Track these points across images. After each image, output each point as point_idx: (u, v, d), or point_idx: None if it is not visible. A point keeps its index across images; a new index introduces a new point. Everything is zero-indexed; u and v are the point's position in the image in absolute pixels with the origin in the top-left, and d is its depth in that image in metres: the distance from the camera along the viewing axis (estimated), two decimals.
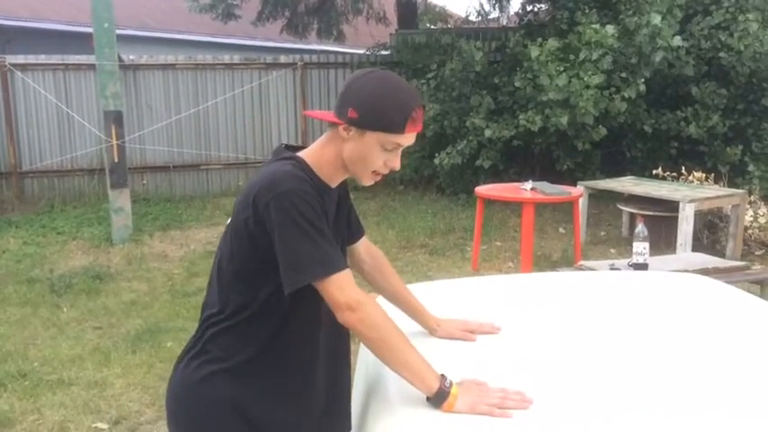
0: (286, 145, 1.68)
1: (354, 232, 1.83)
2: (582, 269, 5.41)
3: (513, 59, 8.41)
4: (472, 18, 11.97)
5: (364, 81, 1.57)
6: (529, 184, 5.95)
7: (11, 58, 8.67)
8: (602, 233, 7.62)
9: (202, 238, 7.46)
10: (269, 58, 9.79)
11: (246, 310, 1.57)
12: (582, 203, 6.68)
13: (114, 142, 7.23)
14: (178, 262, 6.75)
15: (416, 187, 9.63)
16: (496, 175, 8.45)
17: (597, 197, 7.86)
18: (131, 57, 9.07)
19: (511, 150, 8.63)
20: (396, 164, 1.59)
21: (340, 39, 12.83)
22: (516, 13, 9.60)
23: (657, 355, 1.56)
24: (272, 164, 1.59)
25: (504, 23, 11.05)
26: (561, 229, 7.72)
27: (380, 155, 1.56)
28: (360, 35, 12.66)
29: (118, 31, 7.32)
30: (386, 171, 1.60)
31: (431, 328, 1.81)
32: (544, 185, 6.00)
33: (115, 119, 7.26)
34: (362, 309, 1.46)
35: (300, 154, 1.62)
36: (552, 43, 7.41)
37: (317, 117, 1.68)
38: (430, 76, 8.66)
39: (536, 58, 7.39)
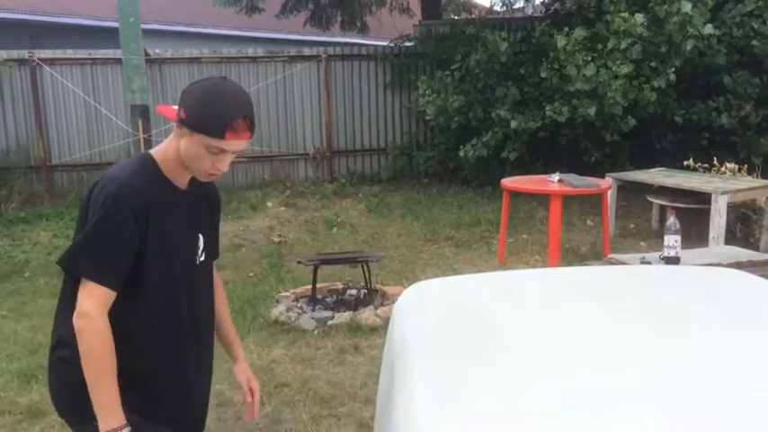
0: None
1: (211, 249, 1.96)
2: (612, 263, 5.34)
3: (539, 50, 8.29)
4: (497, 8, 11.84)
5: (198, 86, 1.69)
6: (556, 176, 5.87)
7: (39, 53, 8.78)
8: (632, 226, 7.50)
9: (228, 231, 7.49)
10: (293, 51, 9.77)
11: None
12: (610, 195, 6.58)
13: (141, 136, 7.27)
14: None
15: (441, 180, 9.57)
16: (522, 168, 8.35)
17: (626, 189, 7.74)
18: (157, 51, 9.13)
19: (537, 142, 8.52)
20: (221, 166, 1.69)
21: (363, 30, 12.77)
22: (542, 3, 9.45)
23: (695, 351, 1.51)
24: (122, 165, 1.76)
25: (530, 13, 10.90)
26: (589, 222, 7.61)
27: (207, 156, 1.67)
28: (383, 27, 12.58)
29: (143, 26, 7.36)
30: (216, 171, 1.71)
31: (234, 359, 2.09)
32: (572, 177, 5.91)
33: (142, 113, 7.29)
34: (92, 323, 1.59)
35: (152, 151, 1.76)
36: (579, 32, 7.28)
37: (164, 113, 1.77)
38: (454, 67, 8.57)
39: (563, 47, 7.28)
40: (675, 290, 1.95)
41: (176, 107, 1.71)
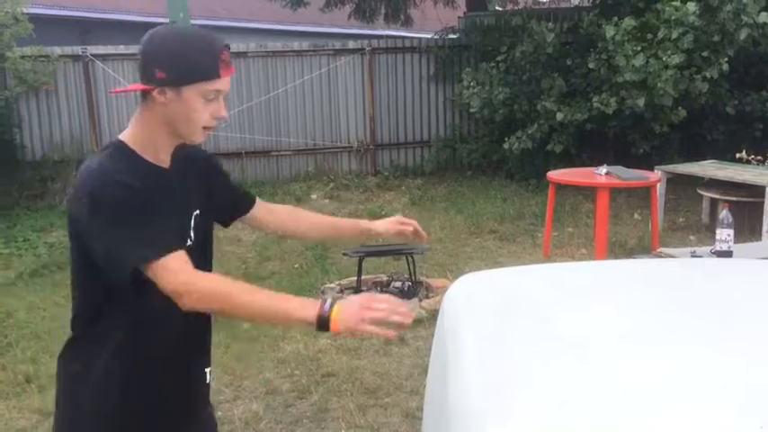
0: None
1: (240, 204, 1.84)
2: (661, 257, 5.24)
3: (586, 40, 8.16)
4: None
5: (160, 39, 1.51)
6: (604, 169, 5.79)
7: (92, 49, 9.02)
8: (681, 219, 7.34)
9: None
10: (337, 44, 9.83)
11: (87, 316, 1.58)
12: (660, 188, 6.45)
13: None
14: (251, 246, 6.91)
15: (485, 172, 9.52)
16: (568, 160, 8.24)
17: (675, 182, 7.57)
18: None
19: (583, 134, 8.40)
20: (222, 112, 1.54)
21: (407, 23, 12.74)
22: None
23: (751, 344, 1.48)
24: (87, 163, 1.53)
25: (578, 3, 10.72)
26: (637, 216, 7.48)
27: (204, 107, 1.52)
28: (427, 19, 12.55)
29: (192, 21, 7.50)
30: (214, 123, 1.56)
31: (366, 230, 1.89)
32: (619, 170, 5.82)
33: None
34: (194, 288, 1.42)
35: (120, 136, 1.57)
36: (629, 22, 7.14)
37: (125, 91, 1.66)
38: (500, 59, 8.50)
39: (611, 38, 7.14)
40: (730, 282, 1.91)
41: (131, 84, 1.59)
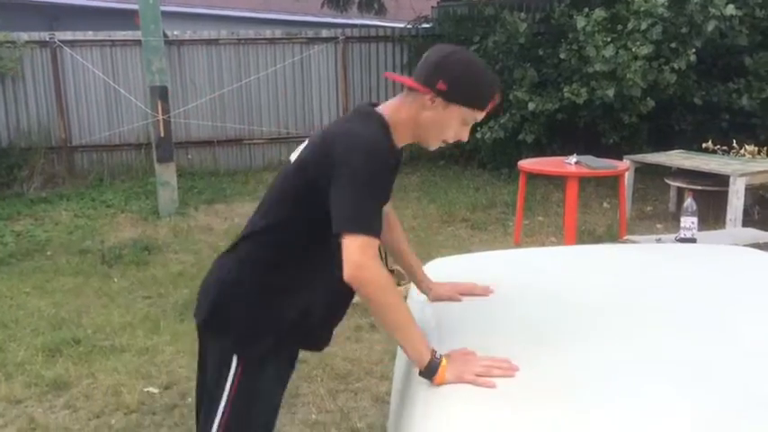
0: (371, 103, 1.78)
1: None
2: (627, 243, 5.34)
3: (558, 30, 8.23)
4: None
5: (456, 59, 1.68)
6: (573, 158, 5.86)
7: (60, 35, 8.86)
8: (649, 208, 7.47)
9: (246, 212, 7.55)
10: (310, 33, 9.78)
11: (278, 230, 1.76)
12: (628, 178, 6.55)
13: (160, 117, 7.36)
14: (223, 234, 6.87)
15: (458, 161, 9.57)
16: (540, 150, 8.33)
17: (644, 171, 7.70)
18: (176, 33, 9.18)
19: (555, 124, 8.48)
20: (465, 136, 1.73)
21: (381, 12, 12.72)
22: None
23: (702, 323, 1.53)
24: (358, 120, 1.69)
25: None
26: (606, 204, 7.59)
27: (456, 127, 1.70)
28: (401, 8, 12.54)
29: (162, 8, 7.40)
30: (452, 141, 1.74)
31: (424, 289, 1.96)
32: (589, 159, 5.90)
33: (161, 94, 7.37)
34: (372, 270, 1.51)
35: (381, 110, 1.72)
36: (599, 13, 7.21)
37: (400, 80, 1.76)
38: (472, 48, 8.53)
39: (582, 28, 7.22)
40: (685, 265, 1.97)
41: (413, 78, 1.69)
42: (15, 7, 11.52)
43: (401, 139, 1.74)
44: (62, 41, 8.73)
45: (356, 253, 1.50)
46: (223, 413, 1.78)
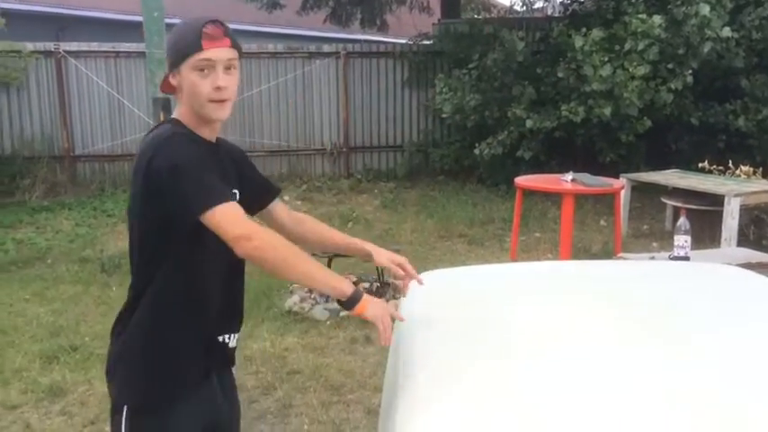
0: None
1: (264, 195, 1.95)
2: (620, 260, 5.38)
3: (556, 50, 8.33)
4: (517, 8, 11.87)
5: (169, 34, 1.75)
6: (569, 176, 5.91)
7: (65, 46, 8.96)
8: (645, 227, 7.53)
9: None
10: (312, 47, 9.89)
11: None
12: (624, 196, 6.61)
13: None
14: None
15: (456, 177, 9.64)
16: (538, 167, 8.39)
17: (640, 190, 7.76)
18: None
19: (553, 142, 8.57)
20: (218, 81, 1.64)
21: (383, 28, 12.86)
22: (561, 3, 9.48)
23: (681, 342, 1.58)
24: (153, 132, 1.73)
25: (550, 13, 10.92)
26: (602, 222, 7.65)
27: (202, 81, 1.64)
28: (403, 25, 12.67)
29: (167, 20, 7.50)
30: (218, 94, 1.66)
31: (367, 254, 1.94)
32: (585, 177, 5.96)
33: (164, 106, 7.38)
34: (257, 236, 1.54)
35: (174, 116, 1.75)
36: (597, 33, 7.32)
37: (163, 87, 1.79)
38: (472, 66, 8.64)
39: (580, 48, 7.32)
40: (672, 283, 2.02)
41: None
42: (22, 17, 11.64)
43: (198, 129, 1.72)
44: (67, 52, 8.83)
45: (230, 226, 1.54)
46: None
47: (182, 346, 1.76)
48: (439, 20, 11.35)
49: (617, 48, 7.32)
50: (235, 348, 1.89)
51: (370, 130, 9.95)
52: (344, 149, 9.79)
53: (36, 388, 3.69)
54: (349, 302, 1.61)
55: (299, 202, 8.59)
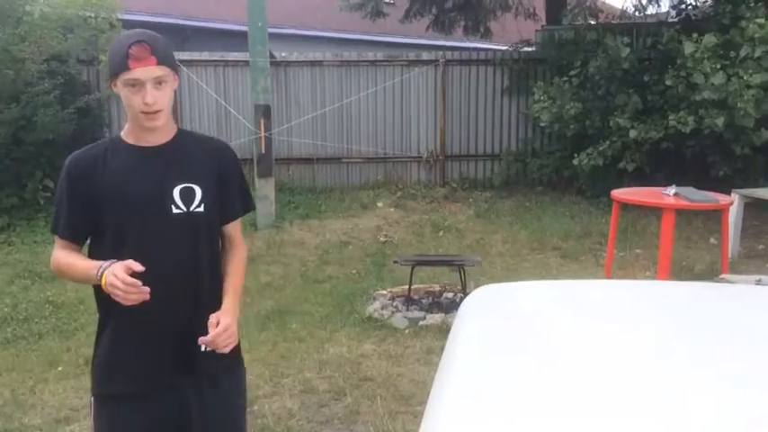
0: None
1: (225, 210, 2.01)
2: (721, 282, 5.00)
3: (665, 56, 7.89)
4: (630, 12, 11.35)
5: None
6: (672, 189, 5.59)
7: (180, 55, 9.48)
8: (761, 246, 6.97)
9: (338, 229, 7.75)
10: (411, 55, 9.92)
11: None
12: (736, 213, 6.16)
13: (262, 134, 7.71)
14: (313, 249, 7.06)
15: (555, 188, 9.34)
16: (642, 179, 7.97)
17: (758, 207, 7.19)
18: (283, 54, 9.59)
19: (659, 153, 8.11)
20: (146, 97, 1.79)
21: (487, 35, 12.69)
22: (672, 7, 8.96)
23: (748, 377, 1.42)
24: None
25: (663, 19, 10.36)
26: (712, 240, 7.16)
27: (133, 96, 1.80)
28: (506, 31, 12.45)
29: (281, 31, 7.78)
30: (148, 107, 1.80)
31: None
32: (689, 191, 5.60)
33: (264, 112, 7.73)
34: (52, 259, 1.93)
35: None
36: (709, 39, 6.86)
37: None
38: (573, 73, 8.35)
39: (691, 54, 6.89)
40: (758, 311, 1.83)
41: None
42: (149, 28, 12.49)
43: (139, 136, 1.89)
44: (181, 61, 9.34)
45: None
46: None
47: (122, 346, 1.94)
48: (543, 26, 11.07)
49: (732, 55, 6.83)
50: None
51: (468, 139, 9.84)
52: (441, 157, 9.74)
53: None
54: (99, 278, 1.77)
55: (392, 209, 8.63)
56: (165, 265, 1.85)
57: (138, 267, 1.76)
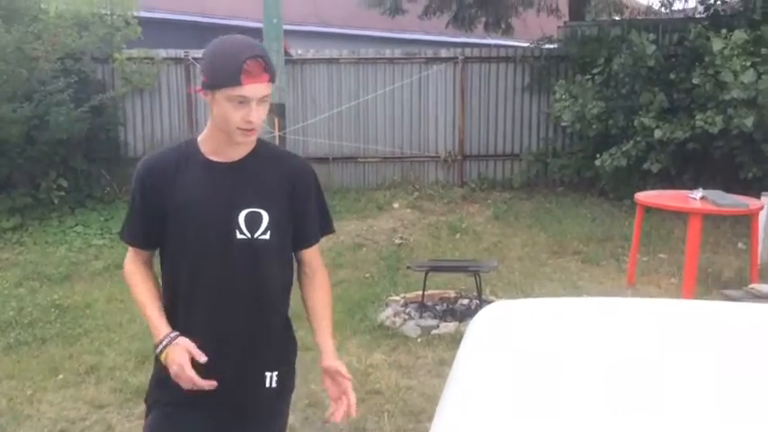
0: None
1: (299, 235, 1.90)
2: (753, 293, 4.76)
3: (692, 53, 7.61)
4: (655, 7, 11.03)
5: (208, 46, 1.73)
6: (698, 193, 5.36)
7: (193, 53, 9.38)
8: None
9: (352, 230, 7.59)
10: (429, 53, 9.71)
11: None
12: (764, 218, 5.89)
13: (276, 133, 7.55)
14: (326, 252, 6.90)
15: (576, 189, 9.09)
16: (667, 181, 7.71)
17: None
18: (299, 51, 9.45)
19: (685, 154, 7.82)
20: (251, 117, 1.67)
21: (508, 32, 12.44)
22: (700, 2, 8.64)
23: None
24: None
25: (691, 15, 10.04)
26: (741, 245, 6.88)
27: (234, 111, 1.68)
28: (529, 28, 12.18)
29: (302, 28, 7.64)
30: (248, 126, 1.70)
31: (320, 350, 1.94)
32: (718, 195, 5.36)
33: (278, 111, 7.58)
34: (125, 267, 1.89)
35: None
36: (739, 35, 6.58)
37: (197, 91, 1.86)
38: (596, 71, 8.09)
39: (719, 51, 6.61)
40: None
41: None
42: (166, 25, 12.47)
43: (218, 149, 1.79)
44: (195, 58, 9.24)
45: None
46: None
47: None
48: (565, 22, 10.80)
49: (762, 51, 6.54)
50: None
51: (487, 138, 9.62)
52: (459, 157, 9.53)
53: (125, 388, 3.78)
54: (156, 348, 1.76)
55: (408, 210, 8.45)
56: (225, 289, 1.81)
57: (202, 358, 1.74)
